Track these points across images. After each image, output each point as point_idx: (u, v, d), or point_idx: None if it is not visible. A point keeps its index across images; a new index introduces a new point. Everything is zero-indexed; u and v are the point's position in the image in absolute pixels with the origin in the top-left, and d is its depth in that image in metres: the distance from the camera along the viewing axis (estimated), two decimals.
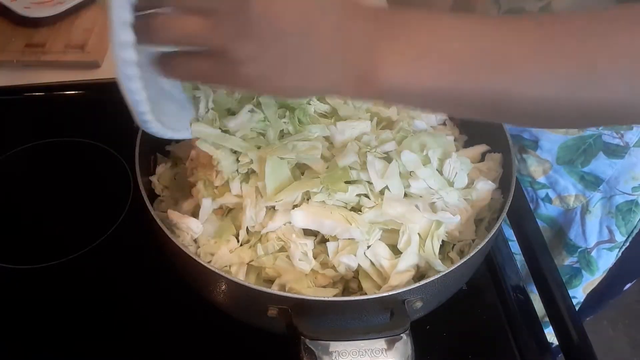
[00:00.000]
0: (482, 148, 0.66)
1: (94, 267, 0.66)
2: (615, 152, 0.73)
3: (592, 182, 0.77)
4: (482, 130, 0.67)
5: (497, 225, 0.54)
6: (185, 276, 0.57)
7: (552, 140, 0.76)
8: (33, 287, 0.64)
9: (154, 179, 0.63)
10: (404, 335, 0.46)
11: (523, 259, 0.69)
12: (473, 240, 0.58)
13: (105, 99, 0.84)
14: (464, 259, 0.50)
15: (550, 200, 0.83)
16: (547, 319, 0.64)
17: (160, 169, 0.65)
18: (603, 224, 0.81)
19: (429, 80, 0.40)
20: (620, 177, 0.75)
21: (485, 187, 0.60)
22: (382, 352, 0.45)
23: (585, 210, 0.80)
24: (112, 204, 0.71)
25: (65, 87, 0.87)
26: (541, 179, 0.81)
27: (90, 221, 0.70)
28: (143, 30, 0.39)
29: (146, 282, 0.64)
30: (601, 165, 0.75)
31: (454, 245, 0.58)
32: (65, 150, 0.78)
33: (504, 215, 0.55)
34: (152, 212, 0.54)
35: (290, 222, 0.55)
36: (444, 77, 0.40)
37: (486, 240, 0.53)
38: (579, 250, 0.84)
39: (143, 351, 0.60)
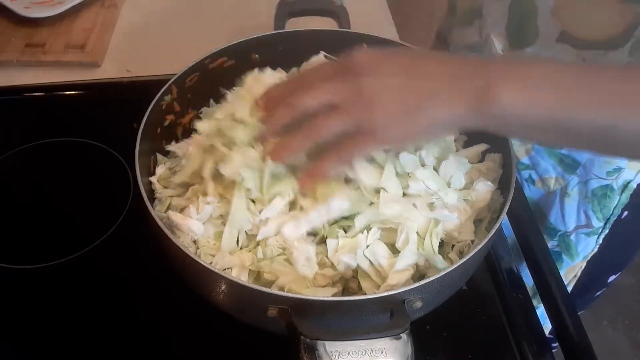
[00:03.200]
0: (481, 147, 0.66)
1: (94, 267, 0.66)
2: None
3: (570, 164, 0.78)
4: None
5: (497, 225, 0.54)
6: (184, 276, 0.57)
7: None
8: (33, 287, 0.64)
9: (154, 179, 0.63)
10: (403, 335, 0.46)
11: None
12: (472, 241, 0.58)
13: (105, 99, 0.85)
14: (464, 259, 0.50)
15: (533, 182, 0.83)
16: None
17: (160, 169, 0.65)
18: (580, 208, 0.81)
19: (544, 107, 0.44)
20: (596, 160, 0.76)
21: (484, 188, 0.60)
22: (381, 352, 0.45)
23: (564, 193, 0.81)
24: (112, 204, 0.71)
25: (65, 87, 0.87)
26: (524, 159, 0.82)
27: (90, 221, 0.70)
28: (303, 137, 0.51)
29: (146, 282, 0.64)
30: None
31: (453, 246, 0.58)
32: (65, 150, 0.78)
33: (503, 215, 0.55)
34: (152, 212, 0.53)
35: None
36: (558, 106, 0.44)
37: (485, 240, 0.53)
38: (559, 233, 0.85)
39: (143, 351, 0.60)
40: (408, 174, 0.58)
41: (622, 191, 0.77)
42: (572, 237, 0.84)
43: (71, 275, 0.65)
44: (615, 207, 0.79)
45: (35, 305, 0.63)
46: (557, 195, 0.82)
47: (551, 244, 0.86)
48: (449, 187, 0.59)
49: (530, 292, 0.68)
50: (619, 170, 0.75)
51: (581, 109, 0.44)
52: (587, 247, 0.84)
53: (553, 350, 0.63)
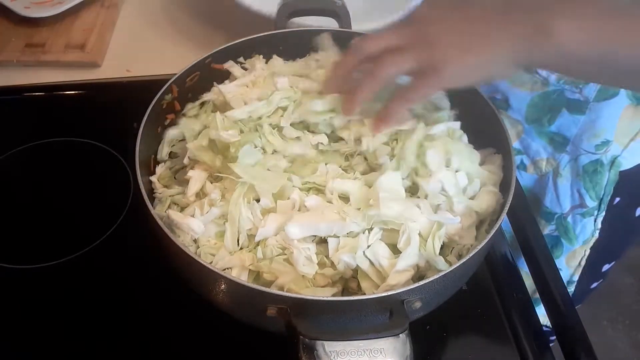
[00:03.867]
0: (487, 152, 0.66)
1: (94, 267, 0.66)
2: (577, 107, 0.74)
3: (560, 142, 0.78)
4: (482, 130, 0.67)
5: (496, 227, 0.54)
6: (185, 276, 0.57)
7: (520, 98, 0.78)
8: (33, 287, 0.65)
9: (154, 178, 0.63)
10: (402, 335, 0.46)
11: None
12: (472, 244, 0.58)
13: (105, 99, 0.85)
14: (464, 260, 0.51)
15: (525, 168, 0.84)
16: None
17: (160, 168, 0.65)
18: (574, 187, 0.81)
19: (599, 40, 0.47)
20: (584, 134, 0.76)
21: (490, 195, 0.60)
22: (380, 352, 0.45)
23: (556, 174, 0.81)
24: (112, 204, 0.71)
25: (65, 87, 0.87)
26: (515, 144, 0.82)
27: (90, 221, 0.70)
28: (369, 79, 0.54)
29: (146, 282, 0.64)
30: (566, 122, 0.76)
31: (453, 248, 0.58)
32: (65, 150, 0.78)
33: (503, 216, 0.55)
34: (152, 212, 0.53)
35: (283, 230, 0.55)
36: (617, 39, 0.47)
37: (485, 241, 0.53)
38: (556, 216, 0.85)
39: (142, 351, 0.60)
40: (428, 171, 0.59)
41: (611, 167, 0.77)
42: (569, 219, 0.84)
43: (71, 275, 0.65)
44: (606, 185, 0.78)
45: (35, 305, 0.63)
46: (550, 177, 0.82)
47: (549, 228, 0.86)
48: (464, 193, 0.60)
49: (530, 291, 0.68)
50: (607, 143, 0.75)
51: (631, 45, 0.46)
52: (585, 229, 0.84)
53: (551, 344, 0.63)
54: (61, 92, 0.87)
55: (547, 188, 0.83)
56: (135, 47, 0.95)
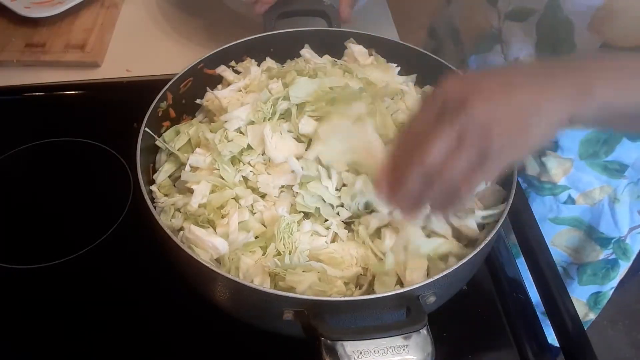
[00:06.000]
0: None
1: (94, 267, 0.66)
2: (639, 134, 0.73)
3: (617, 169, 0.78)
4: None
5: (501, 222, 0.54)
6: (199, 286, 0.57)
7: (571, 136, 0.76)
8: (33, 287, 0.64)
9: (154, 188, 0.62)
10: (423, 331, 0.46)
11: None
12: None
13: (105, 99, 0.85)
14: (475, 251, 0.52)
15: (573, 201, 0.82)
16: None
17: (159, 176, 0.63)
18: (633, 209, 0.81)
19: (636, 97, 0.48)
20: None
21: (495, 194, 0.62)
22: (403, 349, 0.45)
23: (613, 199, 0.81)
24: (112, 204, 0.71)
25: (65, 87, 0.87)
26: (562, 181, 0.81)
27: (90, 221, 0.70)
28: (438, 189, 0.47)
29: (146, 282, 0.64)
30: (625, 150, 0.76)
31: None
32: (65, 150, 0.78)
33: (504, 215, 0.55)
34: (153, 212, 0.54)
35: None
36: None
37: (493, 232, 0.54)
38: (613, 240, 0.84)
39: (142, 351, 0.60)
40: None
41: None
42: (628, 240, 0.84)
43: (71, 275, 0.65)
44: None
45: (35, 305, 0.63)
46: (605, 204, 0.81)
47: (605, 253, 0.86)
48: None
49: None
50: None
51: None
52: None
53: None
54: (61, 92, 0.87)
55: (602, 215, 0.82)
56: (135, 47, 0.95)
